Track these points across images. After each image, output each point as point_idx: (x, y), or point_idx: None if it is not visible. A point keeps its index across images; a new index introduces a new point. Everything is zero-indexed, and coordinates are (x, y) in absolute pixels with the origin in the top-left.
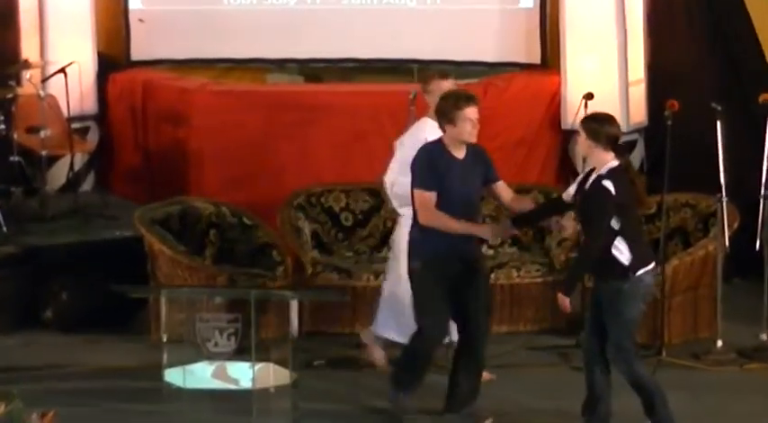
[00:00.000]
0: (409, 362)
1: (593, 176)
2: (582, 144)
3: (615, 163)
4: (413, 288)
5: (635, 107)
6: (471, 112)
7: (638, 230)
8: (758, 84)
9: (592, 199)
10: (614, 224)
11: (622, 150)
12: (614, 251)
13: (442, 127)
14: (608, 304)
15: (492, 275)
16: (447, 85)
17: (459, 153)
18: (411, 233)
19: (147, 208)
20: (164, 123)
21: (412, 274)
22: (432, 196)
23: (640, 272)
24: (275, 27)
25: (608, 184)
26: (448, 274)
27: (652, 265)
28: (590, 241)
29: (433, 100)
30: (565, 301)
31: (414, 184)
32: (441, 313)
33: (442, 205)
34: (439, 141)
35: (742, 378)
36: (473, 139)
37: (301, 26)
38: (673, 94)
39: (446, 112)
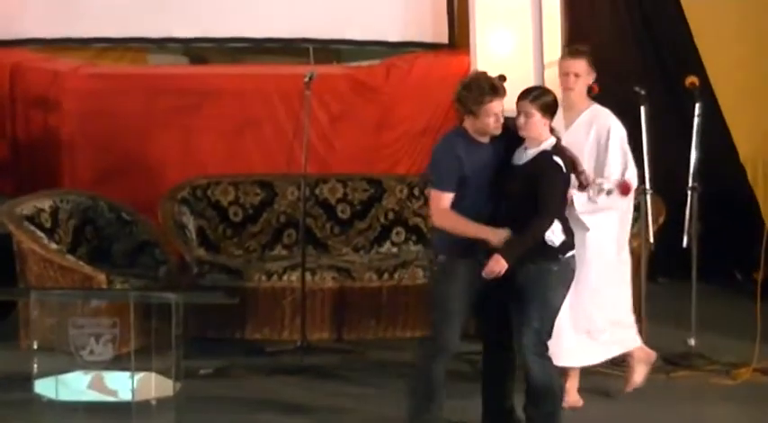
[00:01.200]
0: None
1: (534, 151)
2: (535, 123)
3: (554, 139)
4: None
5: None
6: (496, 106)
7: (567, 216)
8: (684, 66)
9: (545, 175)
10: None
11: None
12: (547, 232)
13: (462, 116)
14: (532, 287)
15: (395, 276)
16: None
17: (484, 139)
18: None
19: (14, 202)
20: (33, 109)
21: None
22: (447, 197)
23: (568, 255)
24: (157, 3)
25: (558, 160)
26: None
27: (574, 251)
28: (545, 216)
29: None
30: (501, 266)
31: (430, 184)
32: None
33: (467, 193)
34: (460, 130)
35: (668, 387)
36: (497, 132)
37: (185, 2)
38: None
39: (467, 104)
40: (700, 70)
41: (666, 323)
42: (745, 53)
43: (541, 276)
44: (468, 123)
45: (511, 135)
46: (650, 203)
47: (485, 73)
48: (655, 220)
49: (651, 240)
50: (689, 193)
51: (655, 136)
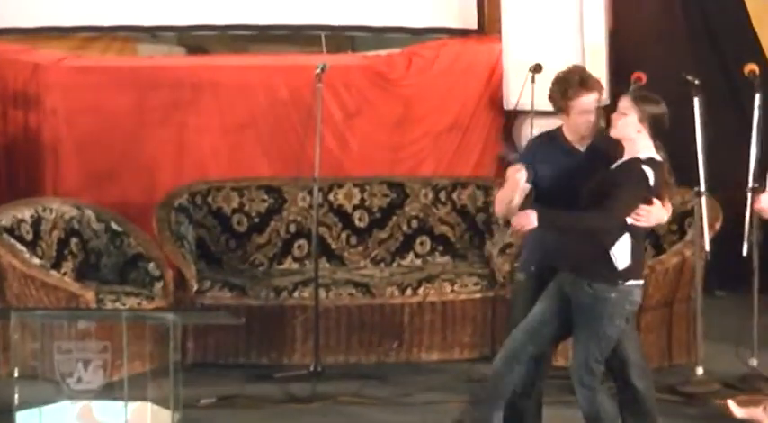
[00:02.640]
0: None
1: (624, 159)
2: (627, 124)
3: (655, 154)
4: None
5: None
6: (585, 102)
7: (643, 237)
8: (742, 53)
9: (624, 176)
10: (629, 219)
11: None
12: (613, 249)
13: (557, 115)
14: (585, 312)
15: (420, 290)
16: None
17: (580, 145)
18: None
19: None
20: (11, 107)
21: None
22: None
23: (631, 282)
24: None
25: (648, 170)
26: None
27: (642, 282)
28: (604, 212)
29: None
30: (528, 220)
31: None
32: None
33: (537, 198)
34: (557, 131)
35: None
36: (588, 133)
37: None
38: (639, 66)
39: (556, 99)
40: (760, 57)
41: (725, 341)
42: None
43: (596, 303)
44: (564, 124)
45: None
46: (705, 207)
47: (580, 66)
48: (711, 226)
49: (707, 248)
50: (749, 194)
51: (710, 131)
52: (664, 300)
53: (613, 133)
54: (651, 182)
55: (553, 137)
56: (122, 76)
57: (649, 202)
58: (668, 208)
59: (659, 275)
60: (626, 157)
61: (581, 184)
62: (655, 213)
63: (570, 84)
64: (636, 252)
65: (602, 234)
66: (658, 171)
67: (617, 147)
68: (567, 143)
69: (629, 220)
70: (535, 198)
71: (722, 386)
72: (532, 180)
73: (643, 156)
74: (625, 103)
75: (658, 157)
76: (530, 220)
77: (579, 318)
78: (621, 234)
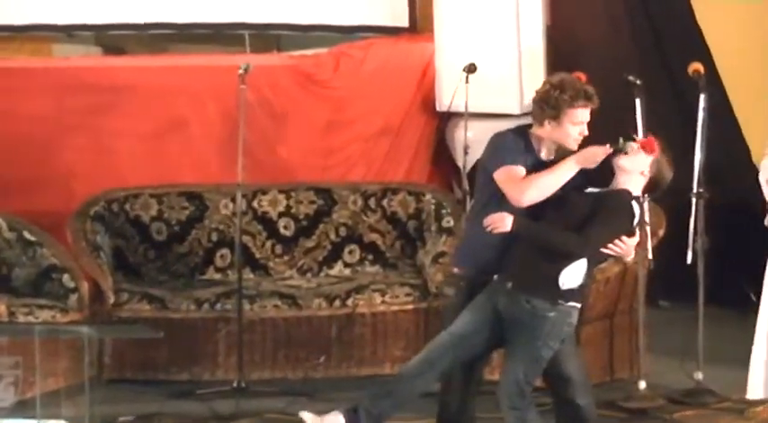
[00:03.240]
0: None
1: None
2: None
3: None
4: None
5: (531, 82)
6: (585, 114)
7: (597, 264)
8: (685, 53)
9: (614, 206)
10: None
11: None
12: (566, 269)
13: (539, 119)
14: (521, 329)
15: (349, 302)
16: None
17: (547, 157)
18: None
19: None
20: None
21: None
22: (520, 170)
23: (571, 304)
24: None
25: (636, 207)
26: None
27: (581, 305)
28: (581, 240)
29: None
30: (503, 222)
31: (496, 165)
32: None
33: (501, 204)
34: (523, 133)
35: None
36: (574, 148)
37: None
38: (578, 66)
39: (559, 105)
40: (705, 56)
41: (669, 354)
42: (757, 36)
43: (534, 321)
44: (542, 131)
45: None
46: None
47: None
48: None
49: (650, 257)
50: (693, 200)
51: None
52: (605, 311)
53: (629, 164)
54: (636, 220)
55: (526, 141)
56: (36, 78)
57: (631, 235)
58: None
59: (600, 285)
60: (617, 187)
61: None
62: (631, 248)
63: (578, 92)
64: (585, 277)
65: (565, 255)
66: (641, 209)
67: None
68: (538, 152)
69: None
70: (494, 201)
71: (666, 401)
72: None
73: (634, 192)
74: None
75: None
76: (505, 223)
77: (514, 335)
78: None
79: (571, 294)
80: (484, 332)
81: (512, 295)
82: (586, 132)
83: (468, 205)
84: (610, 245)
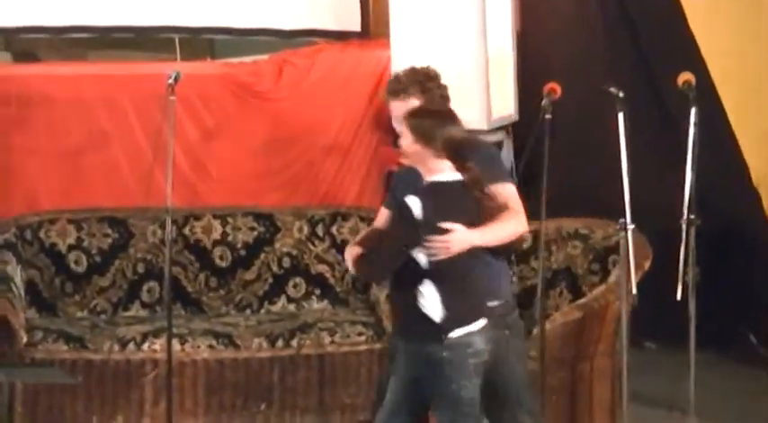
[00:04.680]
0: None
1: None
2: (407, 147)
3: (446, 176)
4: None
5: (499, 93)
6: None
7: (462, 274)
8: (673, 62)
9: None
10: (422, 260)
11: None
12: (420, 300)
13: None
14: (428, 382)
15: (293, 342)
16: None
17: None
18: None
19: None
20: None
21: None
22: None
23: (459, 333)
24: None
25: (412, 201)
26: None
27: (481, 323)
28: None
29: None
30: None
31: (503, 179)
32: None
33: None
34: None
35: None
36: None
37: None
38: (552, 76)
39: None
40: (698, 65)
41: (655, 404)
42: (754, 43)
43: (433, 369)
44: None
45: None
46: (632, 243)
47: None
48: (639, 265)
49: (634, 292)
50: (684, 227)
51: (637, 152)
52: (582, 354)
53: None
54: (416, 213)
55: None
56: None
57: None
58: (509, 220)
59: (576, 325)
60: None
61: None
62: (457, 241)
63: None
64: (449, 296)
65: (395, 291)
66: (437, 195)
67: None
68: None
69: (424, 262)
70: None
71: None
72: None
73: (425, 183)
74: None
75: (451, 176)
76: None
77: (427, 390)
78: (419, 282)
79: (450, 322)
80: (410, 396)
81: (408, 351)
82: (402, 131)
83: None
84: (425, 251)
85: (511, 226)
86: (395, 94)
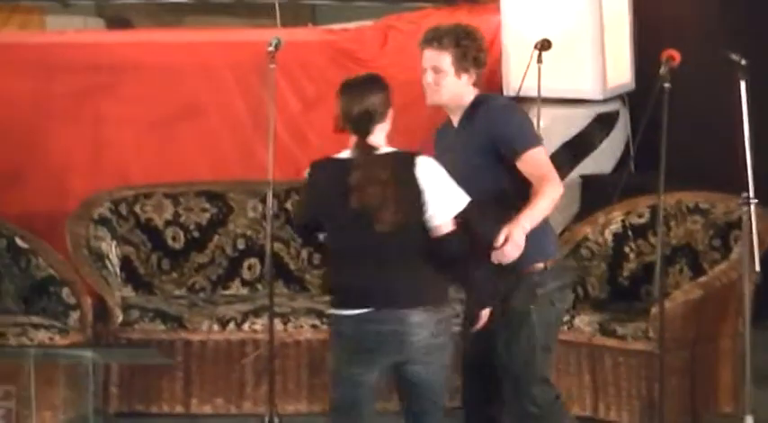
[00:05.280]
0: None
1: None
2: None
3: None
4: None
5: (615, 62)
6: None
7: (348, 253)
8: None
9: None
10: (321, 235)
11: None
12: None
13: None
14: None
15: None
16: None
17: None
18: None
19: None
20: None
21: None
22: None
23: (341, 312)
24: None
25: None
26: None
27: (365, 309)
28: None
29: None
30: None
31: (530, 144)
32: None
33: None
34: None
35: None
36: (428, 101)
37: None
38: (670, 42)
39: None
40: None
41: None
42: None
43: None
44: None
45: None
46: (755, 217)
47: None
48: (762, 242)
49: (757, 269)
50: None
51: (760, 122)
52: (704, 334)
53: None
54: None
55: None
56: (25, 55)
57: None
58: (545, 192)
59: (697, 304)
60: None
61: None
62: (518, 239)
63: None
64: (337, 276)
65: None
66: (324, 168)
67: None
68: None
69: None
70: None
71: None
72: None
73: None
74: None
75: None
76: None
77: None
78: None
79: (334, 301)
80: None
81: None
82: (432, 81)
83: None
84: None
85: (549, 197)
86: (428, 42)
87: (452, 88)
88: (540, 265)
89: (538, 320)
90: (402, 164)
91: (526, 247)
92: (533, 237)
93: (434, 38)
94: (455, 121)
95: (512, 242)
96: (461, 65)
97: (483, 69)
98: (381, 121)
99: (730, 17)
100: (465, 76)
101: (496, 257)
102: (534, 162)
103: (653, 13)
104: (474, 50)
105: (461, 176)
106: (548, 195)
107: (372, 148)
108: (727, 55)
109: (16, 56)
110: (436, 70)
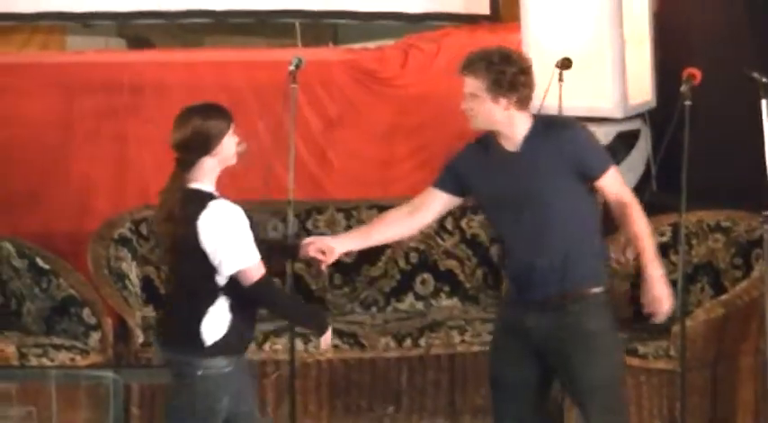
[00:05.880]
0: None
1: None
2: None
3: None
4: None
5: (636, 80)
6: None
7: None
8: None
9: None
10: (218, 278)
11: None
12: (205, 319)
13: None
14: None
15: (421, 341)
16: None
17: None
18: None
19: None
20: None
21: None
22: None
23: (223, 360)
24: None
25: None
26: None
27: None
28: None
29: None
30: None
31: (610, 161)
32: None
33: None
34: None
35: None
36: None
37: None
38: (691, 61)
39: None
40: None
41: None
42: None
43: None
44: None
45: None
46: None
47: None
48: None
49: None
50: None
51: None
52: (725, 352)
53: None
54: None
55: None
56: (46, 75)
57: None
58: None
59: (719, 322)
60: None
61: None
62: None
63: None
64: (236, 324)
65: None
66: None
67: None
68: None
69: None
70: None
71: None
72: None
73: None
74: None
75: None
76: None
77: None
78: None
79: (225, 346)
80: None
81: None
82: (467, 106)
83: None
84: None
85: (645, 220)
86: (463, 68)
87: (489, 113)
88: (602, 287)
89: (615, 340)
90: (191, 207)
91: (595, 267)
92: (599, 256)
93: (468, 64)
94: (509, 144)
95: (665, 299)
96: (497, 90)
97: (528, 91)
98: (203, 153)
99: (754, 36)
100: (504, 101)
101: (659, 318)
102: (617, 178)
103: (674, 31)
104: (510, 75)
105: (527, 199)
106: (644, 219)
107: (183, 182)
108: (749, 73)
109: (37, 76)
110: (472, 96)
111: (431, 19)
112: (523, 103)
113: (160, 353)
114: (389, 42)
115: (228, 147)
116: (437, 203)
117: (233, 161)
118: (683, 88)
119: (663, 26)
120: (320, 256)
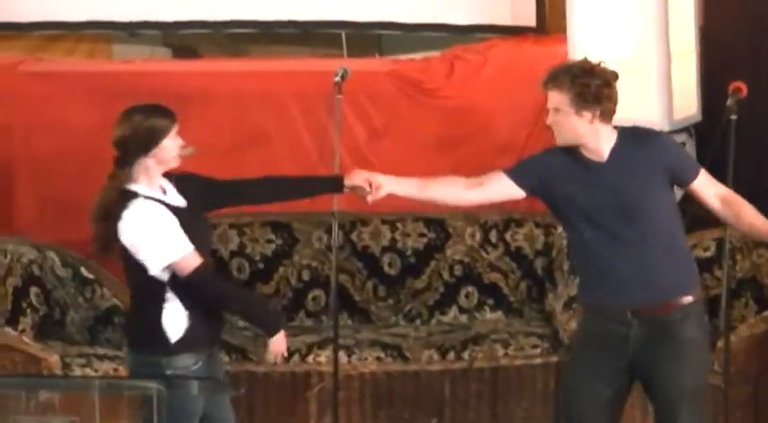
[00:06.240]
0: None
1: None
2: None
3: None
4: None
5: (681, 93)
6: (548, 97)
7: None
8: None
9: None
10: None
11: None
12: (164, 317)
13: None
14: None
15: (465, 354)
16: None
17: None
18: None
19: None
20: None
21: None
22: None
23: (190, 358)
24: None
25: None
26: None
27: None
28: None
29: None
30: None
31: (699, 164)
32: None
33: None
34: None
35: None
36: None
37: None
38: (738, 75)
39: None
40: None
41: None
42: None
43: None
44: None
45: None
46: None
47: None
48: None
49: None
50: None
51: None
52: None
53: None
54: None
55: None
56: (92, 84)
57: None
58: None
59: (762, 337)
60: None
61: None
62: None
63: None
64: (192, 319)
65: None
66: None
67: None
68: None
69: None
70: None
71: None
72: None
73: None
74: None
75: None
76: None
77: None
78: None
79: (186, 343)
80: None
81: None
82: (551, 118)
83: None
84: None
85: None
86: (546, 83)
87: (574, 127)
88: (697, 296)
89: (707, 349)
90: (118, 207)
91: (689, 276)
92: (691, 265)
93: (551, 78)
94: (595, 155)
95: None
96: (581, 103)
97: (612, 104)
98: (141, 153)
99: None
100: (588, 114)
101: None
102: (710, 177)
103: (720, 45)
104: (594, 87)
105: (623, 210)
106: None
107: (120, 181)
108: None
109: (83, 84)
110: (556, 111)
111: (476, 31)
112: (607, 115)
113: (129, 356)
114: (435, 53)
115: (169, 148)
116: (499, 187)
117: (174, 164)
118: (730, 102)
119: (708, 39)
120: (367, 188)
